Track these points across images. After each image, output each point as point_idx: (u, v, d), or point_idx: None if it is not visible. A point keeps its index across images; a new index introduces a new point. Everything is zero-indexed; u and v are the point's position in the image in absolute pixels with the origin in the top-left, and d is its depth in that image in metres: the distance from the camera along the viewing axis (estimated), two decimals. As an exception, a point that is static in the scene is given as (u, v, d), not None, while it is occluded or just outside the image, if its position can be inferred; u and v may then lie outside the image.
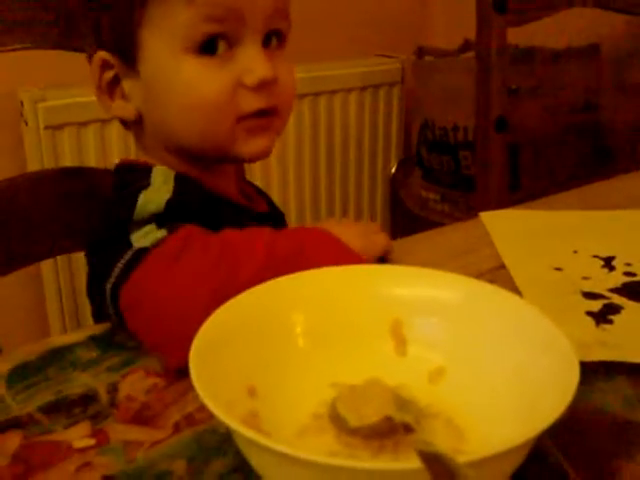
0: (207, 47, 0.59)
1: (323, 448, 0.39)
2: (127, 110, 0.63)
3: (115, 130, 1.30)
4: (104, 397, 0.47)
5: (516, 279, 0.63)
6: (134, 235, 0.55)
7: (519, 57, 1.48)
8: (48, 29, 0.80)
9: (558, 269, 0.66)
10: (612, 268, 0.66)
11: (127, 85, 0.62)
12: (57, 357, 0.52)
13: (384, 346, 0.46)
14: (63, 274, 1.33)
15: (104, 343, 0.54)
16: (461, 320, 0.46)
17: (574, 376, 0.37)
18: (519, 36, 1.40)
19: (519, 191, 1.45)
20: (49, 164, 1.26)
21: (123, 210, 0.57)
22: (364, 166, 1.64)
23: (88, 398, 0.47)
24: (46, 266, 1.31)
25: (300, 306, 0.47)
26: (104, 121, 1.30)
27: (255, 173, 1.44)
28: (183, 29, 0.58)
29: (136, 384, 0.48)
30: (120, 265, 0.53)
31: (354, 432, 0.39)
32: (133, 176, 0.62)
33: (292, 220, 1.53)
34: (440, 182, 1.62)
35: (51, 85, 1.29)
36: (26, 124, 1.27)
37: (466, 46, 1.61)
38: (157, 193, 0.58)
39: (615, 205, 0.82)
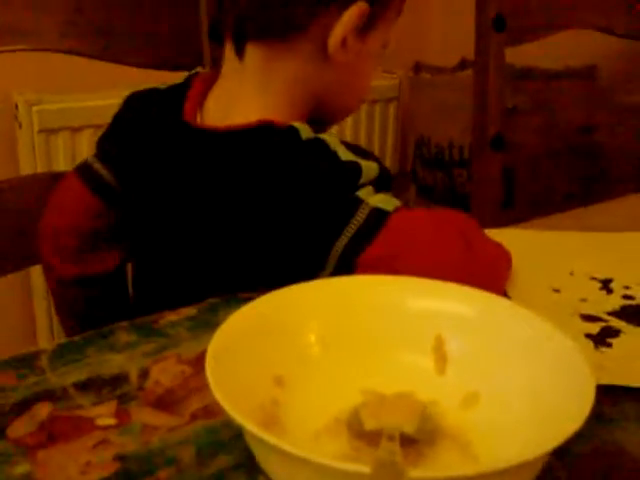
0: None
1: (331, 450, 0.40)
2: (339, 57, 0.67)
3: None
4: (134, 380, 0.49)
5: (513, 299, 0.62)
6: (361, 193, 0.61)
7: (516, 76, 1.49)
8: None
9: (556, 290, 0.65)
10: (610, 291, 0.65)
11: (352, 42, 0.66)
12: (98, 338, 0.55)
13: (424, 361, 0.47)
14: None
15: (145, 329, 0.57)
16: (489, 338, 0.46)
17: (589, 396, 0.36)
18: (516, 56, 1.41)
19: (512, 210, 1.45)
20: (42, 167, 1.25)
21: (346, 175, 0.62)
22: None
23: (119, 379, 0.49)
24: (35, 271, 1.30)
25: (334, 312, 0.48)
26: (98, 126, 1.28)
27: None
28: (390, 32, 0.73)
29: (166, 370, 0.51)
30: (356, 223, 0.59)
31: (365, 436, 0.40)
32: (281, 135, 0.64)
33: None
34: (435, 199, 1.62)
35: (47, 89, 1.28)
36: (20, 127, 1.26)
37: (463, 64, 1.61)
38: (367, 161, 0.63)
39: (612, 227, 0.82)
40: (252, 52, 0.67)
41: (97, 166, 0.77)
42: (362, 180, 0.62)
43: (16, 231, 0.81)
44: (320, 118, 0.71)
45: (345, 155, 0.63)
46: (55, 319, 1.34)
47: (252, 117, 0.66)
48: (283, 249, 0.63)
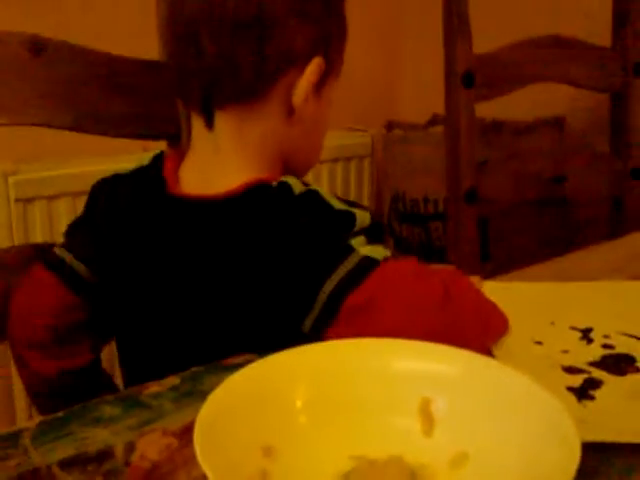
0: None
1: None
2: (301, 112, 0.71)
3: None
4: (120, 455, 0.49)
5: (495, 352, 0.63)
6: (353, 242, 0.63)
7: (487, 130, 1.52)
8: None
9: (538, 343, 0.66)
10: (590, 340, 0.66)
11: (310, 96, 0.71)
12: (83, 412, 0.55)
13: (411, 423, 0.47)
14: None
15: (128, 401, 0.56)
16: (475, 398, 0.46)
17: (575, 456, 0.36)
18: (486, 109, 1.44)
19: (488, 262, 1.46)
20: (18, 237, 1.25)
21: (340, 224, 0.64)
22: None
23: (104, 455, 0.49)
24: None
25: (320, 377, 0.48)
26: (75, 194, 1.29)
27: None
28: (336, 86, 0.75)
29: (152, 443, 0.50)
30: (345, 269, 0.61)
31: None
32: (275, 193, 0.67)
33: None
34: (412, 253, 1.63)
35: (22, 158, 1.29)
36: (-4, 197, 1.26)
37: (434, 120, 1.64)
38: (360, 210, 0.66)
39: (588, 276, 0.83)
40: (221, 120, 0.70)
41: (69, 259, 0.76)
42: (356, 228, 0.64)
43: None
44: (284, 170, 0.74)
45: (339, 205, 0.65)
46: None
47: (236, 181, 0.68)
48: (274, 295, 0.65)
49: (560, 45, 1.34)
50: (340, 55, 0.74)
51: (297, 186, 0.66)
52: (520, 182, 1.33)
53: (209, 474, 0.35)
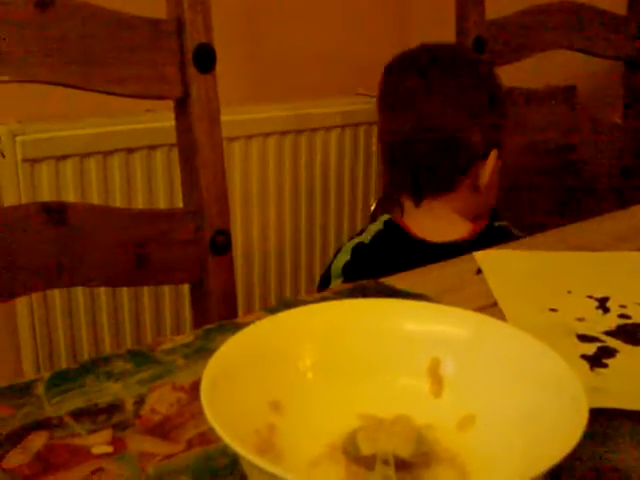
0: None
1: (329, 476, 0.40)
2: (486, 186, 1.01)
3: (94, 164, 1.29)
4: (130, 408, 0.50)
5: (509, 319, 0.63)
6: None
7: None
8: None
9: (553, 310, 0.65)
10: (607, 310, 0.66)
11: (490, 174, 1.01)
12: (95, 366, 0.56)
13: (420, 384, 0.47)
14: (38, 312, 1.30)
15: (140, 357, 0.57)
16: (485, 361, 0.46)
17: (583, 416, 0.36)
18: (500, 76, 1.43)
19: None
20: (26, 197, 1.24)
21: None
22: (344, 203, 1.64)
23: (115, 407, 0.50)
24: (20, 302, 1.28)
25: (329, 336, 0.48)
26: (83, 155, 1.28)
27: (236, 210, 1.43)
28: None
29: (162, 397, 0.51)
30: None
31: (363, 461, 0.39)
32: (504, 230, 1.07)
33: (272, 255, 1.52)
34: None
35: (29, 118, 1.27)
36: (3, 157, 1.25)
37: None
38: None
39: (595, 245, 0.82)
40: (427, 201, 1.02)
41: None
42: None
43: (1, 263, 0.79)
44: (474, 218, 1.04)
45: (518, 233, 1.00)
46: (42, 350, 1.33)
47: (462, 232, 1.01)
48: None
49: (574, 11, 1.32)
50: (507, 137, 1.03)
51: (512, 228, 1.01)
52: (529, 150, 1.32)
53: (215, 426, 0.35)
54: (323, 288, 1.04)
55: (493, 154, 0.98)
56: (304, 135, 1.52)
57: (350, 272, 1.03)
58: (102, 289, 1.30)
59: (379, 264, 1.01)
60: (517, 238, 0.94)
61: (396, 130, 1.02)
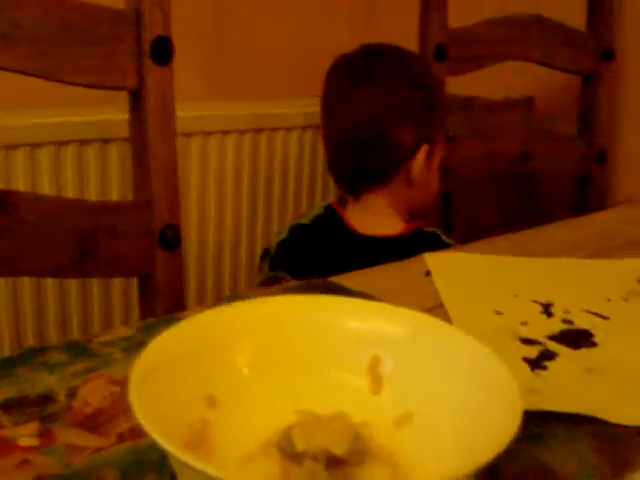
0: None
1: (261, 472, 0.39)
2: (418, 182, 1.05)
3: (46, 155, 1.26)
4: (62, 400, 0.49)
5: (454, 321, 0.63)
6: None
7: (457, 105, 1.51)
8: None
9: (498, 313, 0.66)
10: (550, 315, 0.66)
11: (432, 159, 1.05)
12: (30, 357, 0.55)
13: (359, 381, 0.46)
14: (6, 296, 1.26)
15: (77, 348, 0.56)
16: (421, 358, 0.46)
17: (516, 414, 0.36)
18: (458, 86, 1.44)
19: (452, 236, 1.47)
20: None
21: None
22: (302, 203, 1.62)
23: (46, 399, 0.49)
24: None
25: (267, 331, 0.47)
26: (34, 145, 1.25)
27: (192, 209, 1.41)
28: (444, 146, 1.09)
29: (95, 390, 0.50)
30: None
31: (297, 458, 0.39)
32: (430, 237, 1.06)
33: (227, 252, 1.50)
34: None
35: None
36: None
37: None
38: None
39: (547, 252, 0.83)
40: (368, 193, 1.06)
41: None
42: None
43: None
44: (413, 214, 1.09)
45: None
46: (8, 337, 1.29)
47: (397, 227, 1.06)
48: None
49: (535, 24, 1.34)
50: (442, 133, 1.07)
51: (444, 236, 1.04)
52: (486, 159, 1.33)
53: (139, 418, 0.34)
54: (263, 264, 1.12)
55: (423, 149, 1.01)
56: (264, 134, 1.51)
57: (285, 250, 1.09)
58: (49, 279, 1.27)
59: (313, 246, 1.07)
60: (447, 245, 1.01)
61: (331, 133, 1.09)
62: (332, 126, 1.08)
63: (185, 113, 1.37)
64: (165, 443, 0.33)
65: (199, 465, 0.32)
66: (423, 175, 1.05)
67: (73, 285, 1.30)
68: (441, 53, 1.22)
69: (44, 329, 1.29)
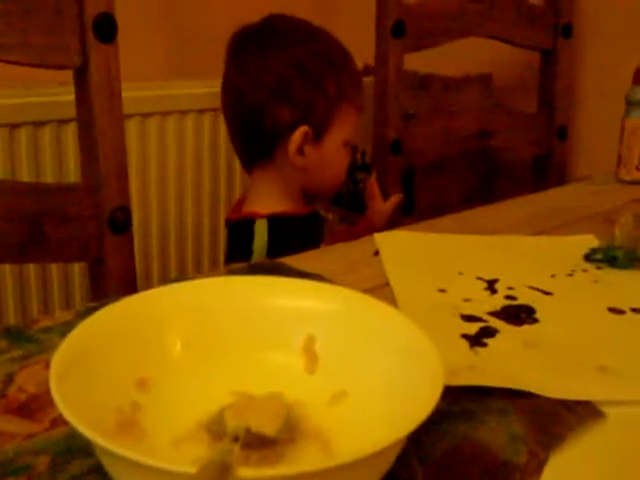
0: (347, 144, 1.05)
1: (190, 454, 0.39)
2: (300, 162, 1.00)
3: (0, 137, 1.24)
4: None
5: (398, 299, 0.63)
6: None
7: (417, 83, 1.51)
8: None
9: (442, 290, 0.66)
10: (494, 291, 0.67)
11: (308, 148, 1.00)
12: None
13: (295, 361, 0.46)
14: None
15: (16, 335, 0.55)
16: (355, 335, 0.46)
17: (437, 387, 0.37)
18: (418, 63, 1.43)
19: (413, 214, 1.47)
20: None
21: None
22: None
23: None
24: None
25: (199, 314, 0.47)
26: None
27: (132, 187, 1.38)
28: (349, 128, 1.04)
29: (31, 376, 0.49)
30: None
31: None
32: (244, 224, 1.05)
33: (172, 233, 1.48)
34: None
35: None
36: None
37: (366, 71, 1.63)
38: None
39: (494, 229, 0.84)
40: (256, 171, 1.06)
41: None
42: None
43: None
44: (312, 195, 1.09)
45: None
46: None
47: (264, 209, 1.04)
48: None
49: (493, 0, 1.33)
50: (330, 115, 1.00)
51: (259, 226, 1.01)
52: (446, 136, 1.33)
53: (58, 402, 0.34)
54: None
55: (300, 129, 0.98)
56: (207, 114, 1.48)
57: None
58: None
59: None
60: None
61: (222, 107, 1.08)
62: (222, 102, 1.08)
63: (141, 93, 1.35)
64: (80, 427, 0.33)
65: (110, 446, 0.31)
66: (312, 157, 1.00)
67: (7, 270, 1.27)
68: (398, 30, 1.21)
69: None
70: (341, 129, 1.03)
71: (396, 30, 1.21)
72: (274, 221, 1.01)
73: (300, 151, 0.99)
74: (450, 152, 1.36)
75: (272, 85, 0.98)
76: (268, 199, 1.04)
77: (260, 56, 0.99)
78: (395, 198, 1.17)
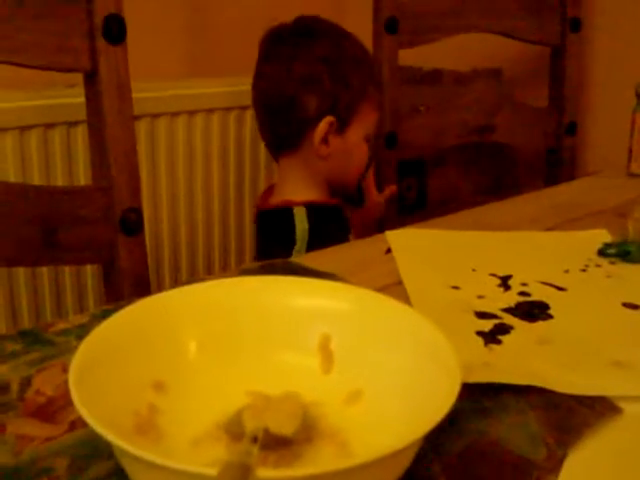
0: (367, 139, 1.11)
1: (209, 455, 0.39)
2: (325, 151, 1.07)
3: (10, 140, 1.24)
4: (15, 390, 0.48)
5: (411, 297, 0.63)
6: None
7: (425, 79, 1.51)
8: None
9: (455, 287, 0.66)
10: (508, 287, 0.66)
11: (333, 139, 1.06)
12: None
13: (310, 361, 0.46)
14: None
15: (31, 337, 0.56)
16: (371, 334, 0.46)
17: (455, 385, 0.37)
18: (425, 58, 1.43)
19: (425, 209, 1.47)
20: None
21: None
22: (259, 181, 1.60)
23: None
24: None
25: (215, 315, 0.47)
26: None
27: (144, 188, 1.38)
28: (370, 124, 1.11)
29: (49, 379, 0.49)
30: None
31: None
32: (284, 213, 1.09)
33: (182, 234, 1.48)
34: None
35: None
36: None
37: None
38: None
39: (506, 226, 0.83)
40: (282, 160, 1.12)
41: None
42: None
43: None
44: (336, 190, 1.13)
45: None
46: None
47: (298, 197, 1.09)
48: None
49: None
50: (353, 109, 1.07)
51: (298, 212, 1.06)
52: (456, 130, 1.33)
53: (78, 406, 0.34)
54: None
55: (326, 120, 1.04)
56: (233, 113, 1.48)
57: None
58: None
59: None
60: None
61: (253, 99, 1.15)
62: (253, 92, 1.14)
63: (151, 93, 1.35)
64: (101, 429, 0.33)
65: (132, 449, 0.32)
66: (335, 147, 1.07)
67: (21, 273, 1.28)
68: (391, 26, 1.22)
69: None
70: (362, 124, 1.09)
71: (389, 26, 1.22)
72: (311, 209, 1.06)
73: (325, 141, 1.05)
74: (460, 146, 1.36)
75: (303, 76, 1.05)
76: (301, 188, 1.09)
77: (293, 49, 1.06)
78: (389, 190, 1.22)
